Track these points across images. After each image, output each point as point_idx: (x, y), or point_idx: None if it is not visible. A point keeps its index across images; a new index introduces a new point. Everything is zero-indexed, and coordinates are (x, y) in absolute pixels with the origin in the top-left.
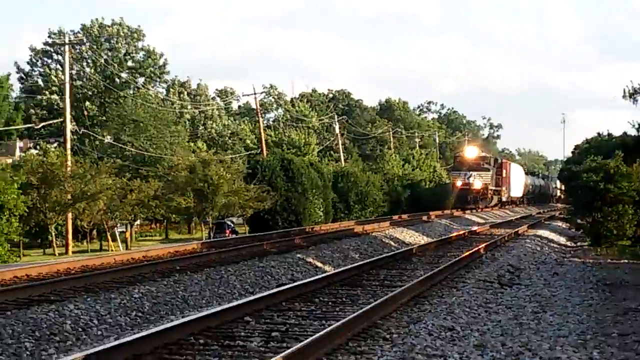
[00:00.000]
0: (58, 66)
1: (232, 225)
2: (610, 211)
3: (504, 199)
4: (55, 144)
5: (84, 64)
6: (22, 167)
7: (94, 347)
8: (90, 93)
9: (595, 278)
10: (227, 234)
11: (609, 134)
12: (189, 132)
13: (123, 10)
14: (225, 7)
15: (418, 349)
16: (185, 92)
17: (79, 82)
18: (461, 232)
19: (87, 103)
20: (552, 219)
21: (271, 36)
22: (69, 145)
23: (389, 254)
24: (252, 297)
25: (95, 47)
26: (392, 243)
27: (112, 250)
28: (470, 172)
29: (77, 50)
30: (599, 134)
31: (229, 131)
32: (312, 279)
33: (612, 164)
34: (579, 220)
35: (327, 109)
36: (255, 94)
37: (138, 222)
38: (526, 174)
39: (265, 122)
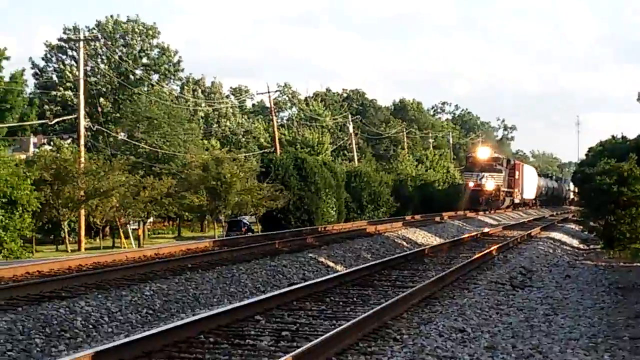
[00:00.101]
0: (72, 62)
1: (248, 223)
2: (624, 214)
3: (516, 201)
4: (69, 140)
5: (99, 60)
6: (36, 163)
7: (104, 344)
8: (104, 90)
9: (608, 281)
10: (243, 232)
11: (623, 137)
12: (202, 130)
13: (138, 8)
14: (242, 6)
15: (428, 350)
16: (200, 90)
17: (93, 79)
18: (474, 234)
19: (101, 99)
20: (565, 222)
21: (286, 35)
22: (82, 142)
23: (401, 254)
24: (263, 296)
25: (109, 43)
26: (405, 243)
27: (124, 248)
28: (483, 173)
29: (92, 47)
30: (613, 136)
31: (243, 129)
32: (323, 278)
33: (625, 167)
34: (591, 223)
35: (341, 108)
36: (269, 92)
37: (151, 219)
38: (539, 175)
39: (279, 120)
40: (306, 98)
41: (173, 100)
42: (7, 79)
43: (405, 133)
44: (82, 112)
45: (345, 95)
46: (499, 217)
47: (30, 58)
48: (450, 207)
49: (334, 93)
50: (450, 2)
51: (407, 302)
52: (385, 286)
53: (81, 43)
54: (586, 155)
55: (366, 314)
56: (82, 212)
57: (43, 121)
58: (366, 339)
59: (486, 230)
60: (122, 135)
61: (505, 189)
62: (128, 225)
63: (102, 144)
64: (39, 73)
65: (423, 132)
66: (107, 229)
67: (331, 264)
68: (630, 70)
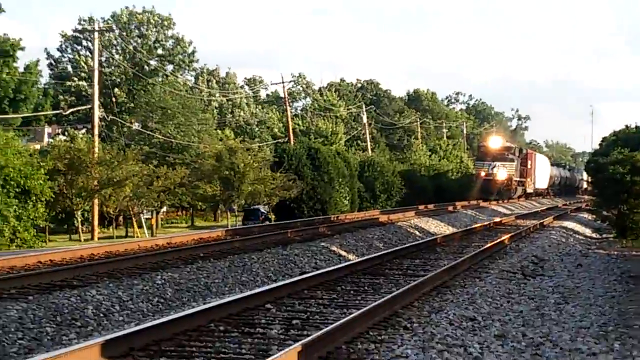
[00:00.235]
0: (87, 53)
1: (265, 212)
2: (637, 203)
3: (528, 191)
4: (83, 130)
5: (113, 51)
6: (50, 152)
7: (114, 332)
8: (118, 80)
9: (620, 270)
10: (260, 220)
11: (637, 127)
12: (216, 120)
13: None
14: None
15: (438, 338)
16: (214, 80)
17: (108, 69)
18: (486, 223)
19: (116, 90)
20: (578, 211)
21: (301, 26)
22: (96, 132)
23: (413, 243)
24: (273, 285)
25: (124, 34)
26: (417, 233)
27: (137, 237)
28: (495, 163)
29: (107, 38)
30: (626, 126)
31: (257, 120)
32: (334, 267)
33: (639, 157)
34: (604, 212)
35: (355, 98)
36: (283, 82)
37: (164, 209)
38: (552, 165)
39: (293, 111)
40: (320, 88)
41: (187, 91)
42: (21, 70)
43: (419, 123)
44: (96, 103)
45: (359, 85)
46: (512, 207)
47: (46, 49)
48: (463, 196)
49: (348, 83)
50: None
51: (418, 291)
52: (396, 275)
53: (96, 34)
54: (600, 145)
55: (377, 303)
56: (96, 201)
57: (57, 111)
58: (376, 327)
59: (499, 219)
60: (136, 126)
61: (517, 179)
62: (141, 215)
63: (116, 134)
64: (54, 63)
65: (437, 122)
66: (121, 218)
67: (343, 253)
68: None
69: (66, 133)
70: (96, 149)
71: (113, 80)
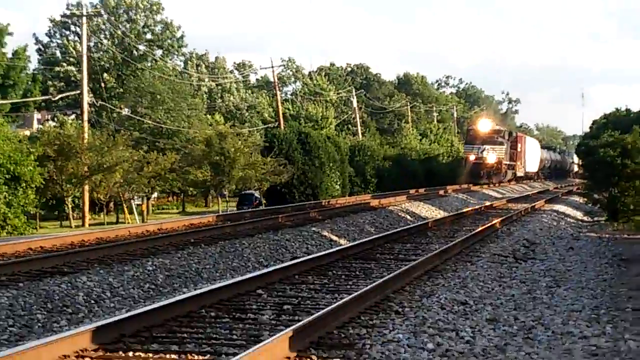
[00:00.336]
0: (76, 38)
1: (259, 197)
2: (628, 186)
3: (518, 174)
4: (73, 116)
5: (102, 36)
6: (39, 139)
7: (105, 319)
8: (107, 65)
9: (611, 253)
10: (254, 205)
11: (627, 109)
12: (206, 105)
13: None
14: None
15: (430, 322)
16: (203, 65)
17: (96, 54)
18: (477, 207)
19: (105, 75)
20: (569, 194)
21: (290, 9)
22: (85, 117)
23: (404, 227)
24: (265, 270)
25: (113, 19)
26: (408, 217)
27: (128, 223)
28: (484, 146)
29: (95, 23)
30: (617, 109)
31: (247, 104)
32: (326, 252)
33: (629, 139)
34: (595, 195)
35: (345, 82)
36: (272, 67)
37: (155, 195)
38: (542, 148)
39: (283, 95)
40: (310, 73)
41: (177, 76)
42: (10, 55)
43: (409, 107)
44: (85, 88)
45: (349, 69)
46: (504, 190)
47: (34, 34)
48: (454, 180)
49: (337, 67)
50: None
51: (410, 275)
52: (388, 259)
53: (84, 19)
54: (590, 127)
55: (368, 287)
56: (86, 187)
57: (46, 97)
58: (368, 312)
59: (490, 203)
60: (125, 111)
61: (507, 162)
62: (132, 201)
63: (105, 120)
64: (43, 49)
65: (427, 106)
66: (112, 204)
67: (334, 238)
68: (635, 43)
69: (55, 119)
70: (86, 135)
71: (102, 65)
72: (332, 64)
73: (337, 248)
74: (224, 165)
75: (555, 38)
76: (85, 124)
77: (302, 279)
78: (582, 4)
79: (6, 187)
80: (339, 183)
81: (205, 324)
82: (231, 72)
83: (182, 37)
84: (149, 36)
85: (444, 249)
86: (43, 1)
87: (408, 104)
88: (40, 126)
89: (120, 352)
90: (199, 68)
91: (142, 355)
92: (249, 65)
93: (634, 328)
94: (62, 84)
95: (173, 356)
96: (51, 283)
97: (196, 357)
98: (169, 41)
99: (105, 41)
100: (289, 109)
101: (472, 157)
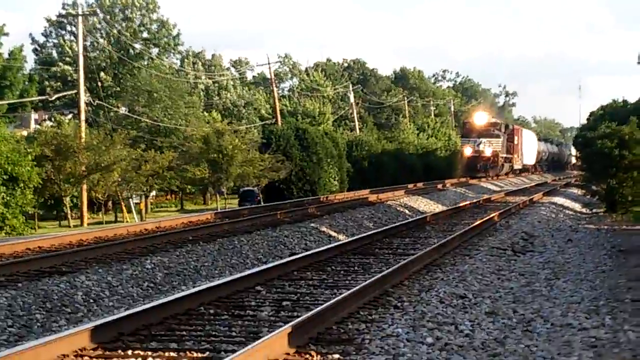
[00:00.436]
0: (72, 37)
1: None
2: (626, 177)
3: (516, 167)
4: (70, 116)
5: (98, 35)
6: (37, 139)
7: (104, 318)
8: (104, 64)
9: (610, 244)
10: (256, 202)
11: (624, 101)
12: (203, 102)
13: None
14: None
15: (429, 316)
16: (200, 63)
17: (93, 54)
18: (476, 200)
19: (102, 74)
20: (567, 186)
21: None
22: (83, 117)
23: (403, 222)
24: (263, 267)
25: (109, 18)
26: (407, 211)
27: (126, 222)
28: (480, 139)
29: (91, 22)
30: (614, 100)
31: (244, 101)
32: (324, 247)
33: (626, 130)
34: (593, 187)
35: (342, 78)
36: (269, 63)
37: (153, 193)
38: (539, 140)
39: (280, 92)
40: (307, 68)
41: (173, 74)
42: (6, 56)
43: (406, 102)
44: (82, 87)
45: (345, 65)
46: (502, 184)
47: (30, 34)
48: (452, 174)
49: (334, 63)
50: None
51: (408, 270)
52: (386, 254)
53: (80, 18)
54: (587, 119)
55: (367, 282)
56: (84, 187)
57: (43, 97)
58: (367, 307)
59: (488, 196)
60: (122, 110)
61: (504, 155)
62: (130, 200)
63: (102, 119)
64: (39, 49)
65: (424, 101)
66: (110, 203)
67: (333, 234)
68: (632, 34)
69: (53, 119)
70: (83, 134)
71: (98, 64)
72: (328, 60)
73: (336, 244)
74: (221, 163)
75: (552, 30)
76: (83, 124)
77: (300, 275)
78: None
79: (4, 187)
80: (337, 179)
81: (204, 321)
82: (228, 69)
83: (178, 35)
84: (145, 35)
85: (442, 242)
86: (39, 1)
87: (405, 98)
88: (38, 126)
89: (119, 351)
90: (196, 66)
91: (141, 353)
92: (246, 62)
93: (633, 319)
94: (59, 83)
95: (172, 354)
96: (50, 283)
97: (195, 354)
98: (165, 39)
99: (101, 40)
100: (286, 105)
101: (468, 151)
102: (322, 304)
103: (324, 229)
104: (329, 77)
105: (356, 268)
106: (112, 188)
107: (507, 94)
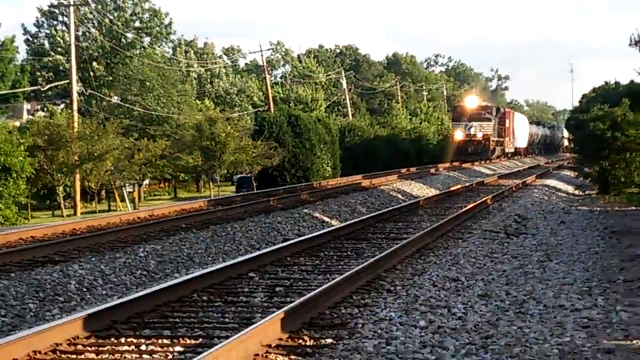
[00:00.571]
0: (64, 28)
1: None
2: (618, 159)
3: (507, 150)
4: (62, 106)
5: (90, 25)
6: (29, 129)
7: (97, 306)
8: (96, 54)
9: (602, 226)
10: (252, 188)
11: (616, 83)
12: (196, 90)
13: None
14: None
15: (422, 300)
16: (192, 51)
17: (84, 43)
18: (469, 184)
19: (94, 64)
20: (560, 169)
21: None
22: (75, 107)
23: (396, 206)
24: (256, 253)
25: (100, 7)
26: (400, 196)
27: (120, 211)
28: (471, 123)
29: (82, 12)
30: (606, 82)
31: (236, 89)
32: (317, 233)
33: (618, 112)
34: (586, 169)
35: (334, 64)
36: (261, 51)
37: (146, 181)
38: (531, 123)
39: (272, 79)
40: (299, 55)
41: (165, 62)
42: None
43: (398, 87)
44: (74, 77)
45: (338, 51)
46: (494, 167)
47: (22, 24)
48: (444, 159)
49: (326, 49)
50: None
51: (401, 254)
52: (379, 239)
53: (71, 8)
54: (580, 102)
55: (359, 267)
56: (77, 176)
57: (35, 87)
58: (360, 291)
59: (481, 180)
60: (115, 99)
61: (495, 139)
62: (123, 188)
63: (95, 108)
64: (31, 39)
65: (417, 86)
66: (103, 192)
67: (326, 219)
68: (624, 16)
69: (45, 109)
70: (75, 124)
71: (91, 54)
72: (320, 46)
73: (329, 229)
74: (214, 150)
75: (544, 13)
76: (75, 113)
77: (293, 261)
78: None
79: None
80: (330, 164)
81: (197, 308)
82: (220, 57)
83: (170, 24)
84: (137, 24)
85: (435, 226)
86: None
87: (397, 83)
88: (30, 116)
89: (113, 339)
90: (188, 54)
91: (135, 341)
92: (238, 49)
93: (625, 299)
94: (51, 74)
95: (165, 341)
96: (43, 272)
97: (188, 341)
98: (157, 28)
99: (93, 30)
100: (278, 92)
101: (459, 135)
102: (315, 289)
103: (317, 214)
104: (321, 63)
105: (349, 253)
106: (105, 177)
107: (499, 78)
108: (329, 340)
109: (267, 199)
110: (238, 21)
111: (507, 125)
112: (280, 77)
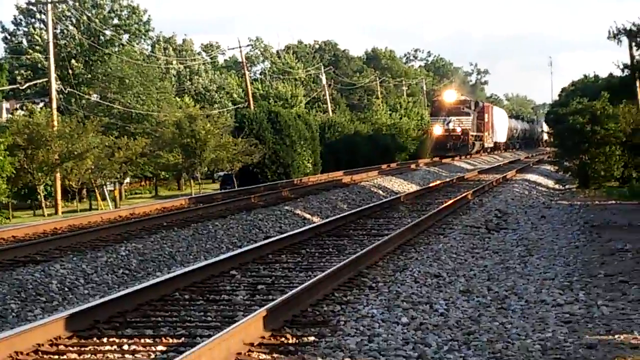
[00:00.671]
0: (42, 25)
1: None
2: (598, 153)
3: (487, 145)
4: (42, 104)
5: (68, 22)
6: (8, 128)
7: (79, 305)
8: (75, 52)
9: (583, 220)
10: (234, 186)
11: (595, 76)
12: (175, 87)
13: None
14: None
15: (404, 296)
16: (171, 48)
17: (63, 41)
18: (449, 179)
19: (73, 61)
20: (540, 163)
21: None
22: (54, 105)
23: (377, 203)
24: (238, 251)
25: (78, 5)
26: (380, 192)
27: (101, 209)
28: (450, 117)
29: (60, 10)
30: (585, 75)
31: (216, 85)
32: (298, 230)
33: (598, 106)
34: (566, 163)
35: (314, 60)
36: (240, 47)
37: (127, 180)
38: (510, 117)
39: (251, 75)
40: (278, 51)
41: (144, 60)
42: None
43: (378, 82)
44: (52, 75)
45: (317, 46)
46: (475, 162)
47: (0, 22)
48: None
49: (305, 45)
50: None
51: (382, 251)
52: (360, 235)
53: (49, 6)
54: (559, 95)
55: (341, 264)
56: (58, 175)
57: (14, 86)
58: (342, 288)
59: (462, 175)
60: (94, 97)
61: (475, 133)
62: (104, 187)
63: (74, 107)
64: (9, 37)
65: (396, 81)
66: (84, 191)
67: (307, 216)
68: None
69: (24, 108)
70: (55, 123)
71: (69, 52)
72: (299, 42)
73: (310, 226)
74: (195, 148)
75: (522, 6)
76: (54, 112)
77: (275, 258)
78: None
79: None
80: (310, 161)
81: (180, 307)
82: (199, 54)
83: (148, 21)
84: (115, 21)
85: (416, 222)
86: None
87: (377, 79)
88: (10, 115)
89: (95, 339)
90: (167, 51)
91: (117, 340)
92: (217, 46)
93: (606, 294)
94: (30, 72)
95: (148, 340)
96: (24, 272)
97: (170, 340)
98: (135, 25)
99: (71, 27)
100: (258, 89)
101: (438, 129)
102: (297, 287)
103: (298, 211)
104: (301, 59)
105: (331, 250)
106: (86, 176)
107: (478, 72)
108: (312, 338)
109: (248, 196)
110: (216, 17)
111: (486, 119)
112: (260, 74)
